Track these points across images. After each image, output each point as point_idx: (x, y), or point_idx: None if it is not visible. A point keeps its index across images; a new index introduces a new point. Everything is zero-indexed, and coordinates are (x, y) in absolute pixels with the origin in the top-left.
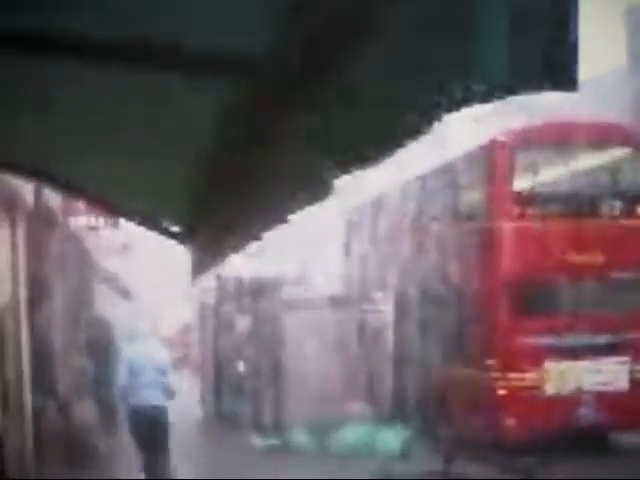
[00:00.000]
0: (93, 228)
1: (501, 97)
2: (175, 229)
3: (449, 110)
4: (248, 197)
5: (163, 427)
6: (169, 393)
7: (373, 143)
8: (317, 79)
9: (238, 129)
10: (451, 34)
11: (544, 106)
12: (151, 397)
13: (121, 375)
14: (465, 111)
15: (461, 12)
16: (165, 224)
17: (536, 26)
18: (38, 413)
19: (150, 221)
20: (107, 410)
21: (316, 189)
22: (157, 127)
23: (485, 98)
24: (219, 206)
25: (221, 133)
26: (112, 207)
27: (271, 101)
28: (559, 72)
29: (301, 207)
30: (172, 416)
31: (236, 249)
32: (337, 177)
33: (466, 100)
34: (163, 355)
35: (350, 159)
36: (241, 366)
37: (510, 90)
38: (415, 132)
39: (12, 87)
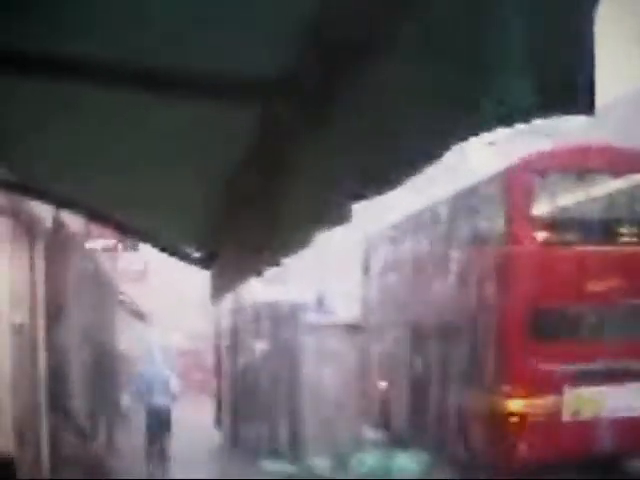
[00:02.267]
0: (111, 251)
1: (518, 122)
2: (194, 253)
3: (467, 135)
4: (267, 222)
5: (167, 420)
6: (172, 397)
7: (390, 168)
8: (333, 103)
9: (257, 154)
10: (468, 59)
11: (565, 131)
12: (159, 400)
13: (137, 384)
14: (484, 136)
15: (479, 35)
16: (184, 249)
17: (553, 50)
18: (54, 435)
19: (169, 246)
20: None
21: (334, 214)
22: (177, 151)
23: (502, 123)
24: (238, 231)
25: (241, 158)
26: (131, 231)
27: (289, 124)
28: (576, 96)
29: (320, 232)
30: (188, 444)
31: (255, 274)
32: (355, 202)
33: (483, 125)
34: (168, 369)
35: (368, 184)
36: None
37: (527, 115)
38: (432, 157)
39: (29, 107)
